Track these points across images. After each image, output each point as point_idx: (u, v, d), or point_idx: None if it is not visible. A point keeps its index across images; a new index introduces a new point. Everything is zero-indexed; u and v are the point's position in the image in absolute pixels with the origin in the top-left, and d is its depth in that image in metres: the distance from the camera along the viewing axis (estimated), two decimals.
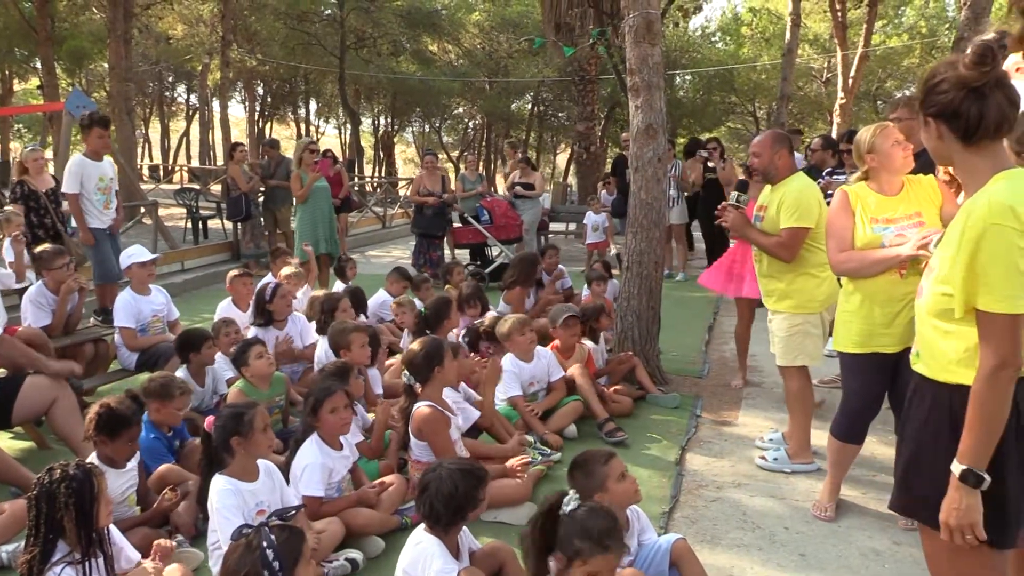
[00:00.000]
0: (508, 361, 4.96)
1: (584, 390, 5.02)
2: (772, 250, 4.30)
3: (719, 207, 4.61)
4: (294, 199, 12.19)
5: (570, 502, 2.42)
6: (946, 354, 2.07)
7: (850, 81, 19.81)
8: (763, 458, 4.48)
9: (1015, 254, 1.91)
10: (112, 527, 2.76)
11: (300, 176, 8.87)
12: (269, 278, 6.57)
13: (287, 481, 3.42)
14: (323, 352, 5.06)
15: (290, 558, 2.29)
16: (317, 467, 3.46)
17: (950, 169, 3.56)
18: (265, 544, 2.27)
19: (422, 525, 2.81)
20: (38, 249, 5.70)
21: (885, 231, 3.54)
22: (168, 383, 4.04)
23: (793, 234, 4.21)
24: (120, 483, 3.41)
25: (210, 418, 3.25)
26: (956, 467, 2.02)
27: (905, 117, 4.24)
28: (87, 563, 2.55)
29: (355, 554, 3.33)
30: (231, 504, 3.01)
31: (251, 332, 5.48)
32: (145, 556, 2.88)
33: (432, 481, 2.76)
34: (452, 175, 12.00)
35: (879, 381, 3.63)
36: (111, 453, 3.37)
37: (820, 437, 4.90)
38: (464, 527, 2.92)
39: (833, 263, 3.68)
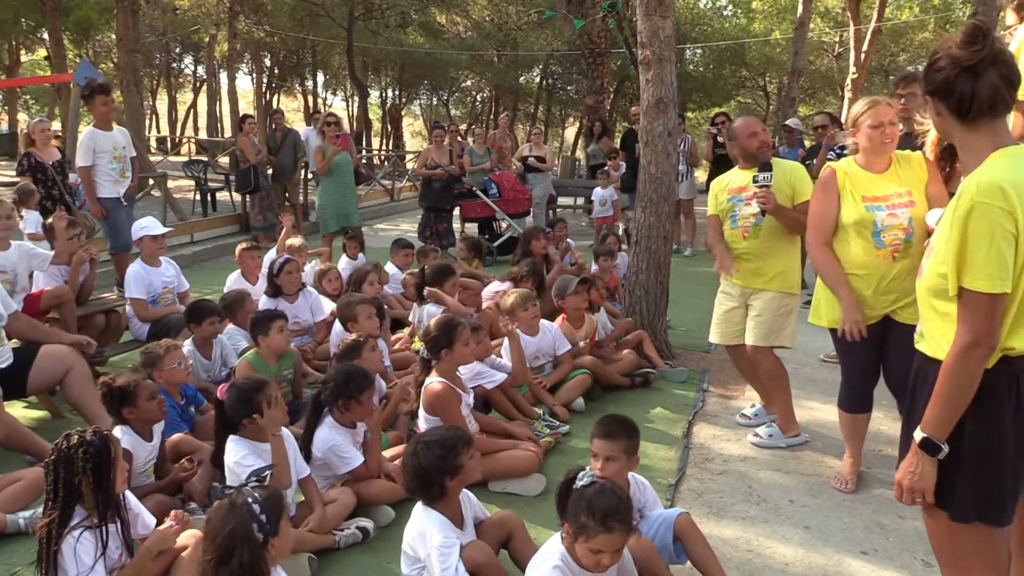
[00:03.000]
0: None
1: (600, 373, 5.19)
2: (802, 227, 4.13)
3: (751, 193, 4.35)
4: (301, 172, 12.31)
5: (583, 478, 2.46)
6: (945, 334, 2.07)
7: (862, 55, 19.60)
8: (757, 435, 4.50)
9: (999, 234, 1.92)
10: (128, 493, 2.81)
11: (322, 149, 8.88)
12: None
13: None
14: (339, 327, 5.10)
15: (274, 512, 2.34)
16: (340, 443, 3.52)
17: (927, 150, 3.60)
18: (250, 500, 2.31)
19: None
20: (48, 220, 5.74)
21: (878, 211, 3.57)
22: (149, 349, 4.08)
23: None
24: (145, 454, 3.47)
25: (223, 385, 3.29)
26: (918, 434, 2.09)
27: (919, 93, 4.24)
28: (104, 528, 2.60)
29: (366, 523, 3.39)
30: (248, 465, 3.07)
31: (262, 303, 5.51)
32: (160, 523, 2.93)
33: (406, 458, 2.82)
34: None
35: (868, 352, 3.69)
36: (144, 417, 3.44)
37: (824, 412, 4.93)
38: (470, 495, 2.96)
39: (810, 247, 3.75)
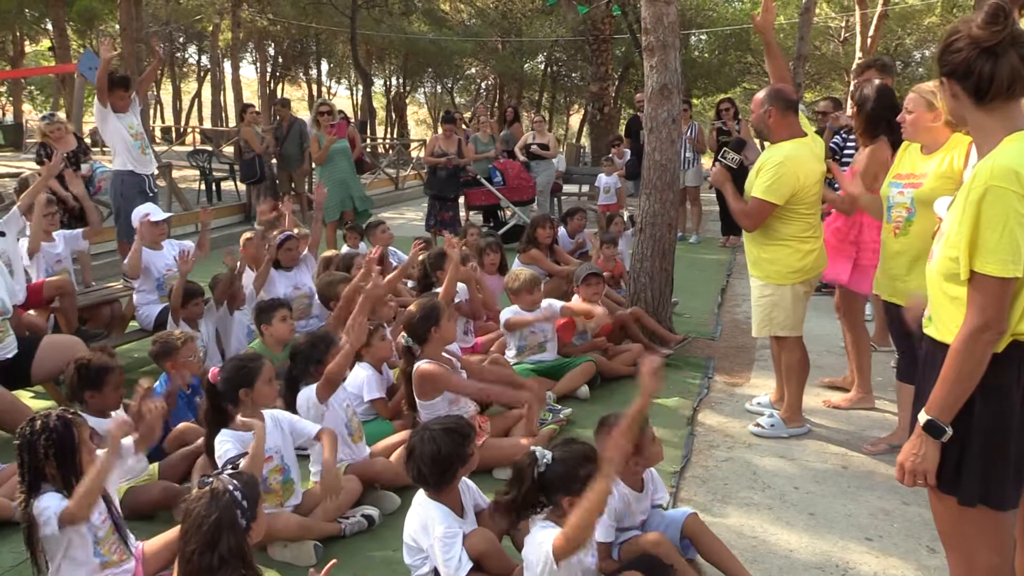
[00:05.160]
0: (510, 310, 5.09)
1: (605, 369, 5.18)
2: (736, 215, 4.28)
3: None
4: (307, 161, 12.28)
5: (543, 457, 2.51)
6: (955, 318, 2.06)
7: (868, 40, 19.42)
8: (758, 425, 4.47)
9: (1012, 218, 1.91)
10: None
11: (318, 138, 8.78)
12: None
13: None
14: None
15: (252, 497, 2.36)
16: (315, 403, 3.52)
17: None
18: (231, 487, 2.33)
19: (421, 490, 2.83)
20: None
21: (893, 187, 3.69)
22: (165, 338, 4.11)
23: (759, 206, 4.11)
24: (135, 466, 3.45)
25: (214, 369, 3.30)
26: (922, 416, 2.09)
27: (876, 78, 4.38)
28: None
29: (371, 510, 3.41)
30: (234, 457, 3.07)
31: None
32: (167, 509, 2.94)
33: (416, 444, 2.78)
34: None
35: (894, 325, 3.87)
36: (101, 405, 3.44)
37: (829, 399, 4.92)
38: (471, 484, 2.96)
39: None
